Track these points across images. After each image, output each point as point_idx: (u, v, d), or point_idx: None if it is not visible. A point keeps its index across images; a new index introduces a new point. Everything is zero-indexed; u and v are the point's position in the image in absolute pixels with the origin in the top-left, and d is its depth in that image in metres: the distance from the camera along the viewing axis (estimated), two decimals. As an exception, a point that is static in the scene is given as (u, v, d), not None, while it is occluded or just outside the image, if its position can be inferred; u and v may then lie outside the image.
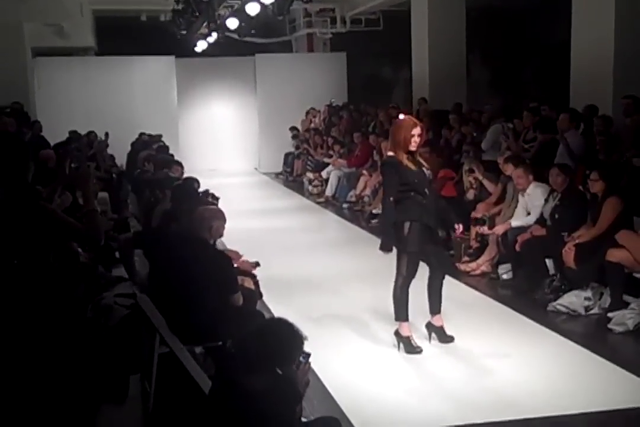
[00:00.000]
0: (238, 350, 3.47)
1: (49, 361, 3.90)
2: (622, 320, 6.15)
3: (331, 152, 14.69)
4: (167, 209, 6.33)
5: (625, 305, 6.33)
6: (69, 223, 3.74)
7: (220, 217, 5.24)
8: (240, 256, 6.54)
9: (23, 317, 3.67)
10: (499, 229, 7.77)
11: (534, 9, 15.97)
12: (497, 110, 10.94)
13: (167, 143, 14.88)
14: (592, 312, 6.63)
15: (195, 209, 5.30)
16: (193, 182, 7.06)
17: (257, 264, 6.40)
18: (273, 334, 3.43)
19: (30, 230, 3.64)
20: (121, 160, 14.06)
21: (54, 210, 3.83)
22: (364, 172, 12.62)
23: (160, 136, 14.91)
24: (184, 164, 9.15)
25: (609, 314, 6.33)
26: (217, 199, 7.79)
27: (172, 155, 11.17)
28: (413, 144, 5.77)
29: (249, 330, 3.48)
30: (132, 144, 13.81)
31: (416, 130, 5.75)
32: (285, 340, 3.43)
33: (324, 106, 17.48)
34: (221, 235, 5.29)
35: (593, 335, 6.31)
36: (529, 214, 7.70)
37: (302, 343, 3.53)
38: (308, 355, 3.64)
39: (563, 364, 5.56)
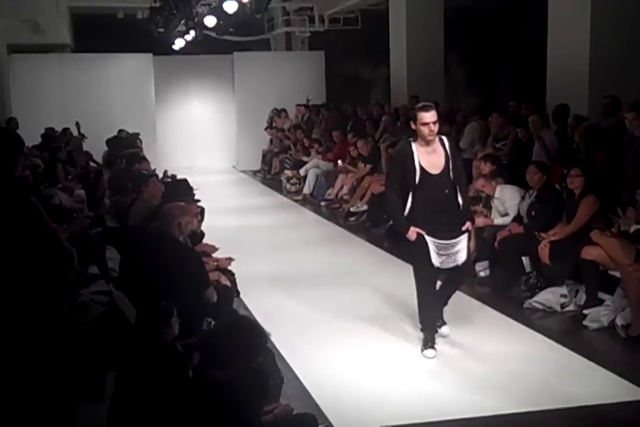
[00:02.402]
0: (203, 346, 3.54)
1: (25, 359, 3.87)
2: (597, 317, 6.21)
3: (311, 150, 14.70)
4: (153, 207, 6.31)
5: (600, 302, 6.39)
6: (53, 230, 3.70)
7: (188, 213, 5.24)
8: (216, 249, 6.53)
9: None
10: (480, 222, 7.78)
11: (512, 9, 16.06)
12: (472, 108, 10.99)
13: (144, 141, 14.83)
14: (567, 309, 6.69)
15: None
16: (183, 182, 7.03)
17: (230, 259, 6.38)
18: (235, 331, 3.54)
19: (16, 225, 3.59)
20: (98, 157, 13.96)
21: (42, 211, 3.78)
22: (342, 168, 12.64)
23: (137, 134, 14.83)
24: (162, 161, 9.13)
25: (584, 311, 6.39)
26: (192, 189, 7.73)
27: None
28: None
29: (213, 327, 3.58)
30: (108, 141, 13.72)
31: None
32: (246, 337, 3.54)
33: (297, 105, 17.45)
34: (192, 230, 5.29)
35: (568, 331, 6.36)
36: (506, 214, 7.76)
37: (264, 341, 3.64)
38: (268, 352, 3.82)
39: (539, 361, 5.59)
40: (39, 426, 3.83)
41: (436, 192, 5.51)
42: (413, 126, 5.54)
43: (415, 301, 5.85)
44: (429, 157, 5.53)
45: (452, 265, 5.60)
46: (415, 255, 5.64)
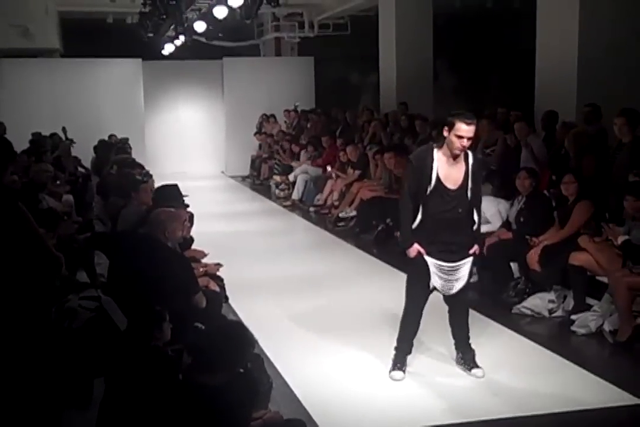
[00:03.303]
0: (192, 351, 3.57)
1: (12, 364, 3.85)
2: (584, 322, 6.24)
3: (301, 154, 14.71)
4: (143, 212, 6.30)
5: (588, 307, 6.42)
6: (40, 236, 3.68)
7: (177, 218, 5.23)
8: (205, 255, 6.53)
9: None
10: None
11: (500, 16, 16.14)
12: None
13: (133, 146, 14.80)
14: (555, 314, 6.72)
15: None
16: (174, 187, 6.98)
17: (219, 265, 6.37)
18: (223, 336, 3.56)
19: (4, 230, 3.56)
20: (86, 162, 13.93)
21: (30, 217, 3.76)
22: (332, 175, 12.66)
23: (126, 139, 14.80)
24: (150, 167, 9.12)
25: (572, 317, 6.41)
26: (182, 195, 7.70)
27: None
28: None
29: (201, 332, 3.59)
30: (96, 147, 13.69)
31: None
32: (234, 342, 3.55)
33: (284, 111, 17.48)
34: (181, 235, 5.28)
35: (556, 337, 6.39)
36: (488, 222, 7.77)
37: (253, 346, 3.66)
38: (257, 357, 3.83)
39: (527, 366, 5.61)
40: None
41: (449, 208, 5.07)
42: (445, 133, 5.02)
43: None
44: (450, 169, 5.07)
45: (450, 292, 5.29)
46: (412, 271, 5.32)
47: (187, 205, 6.64)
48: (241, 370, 3.65)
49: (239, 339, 3.59)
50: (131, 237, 5.59)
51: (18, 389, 3.85)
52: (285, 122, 17.30)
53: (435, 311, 6.05)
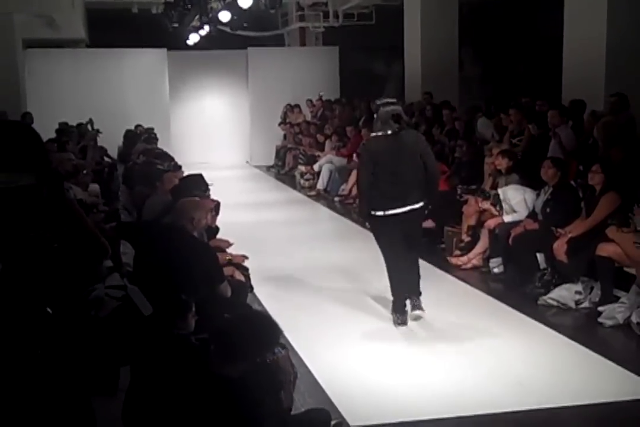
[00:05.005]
0: (215, 341, 3.56)
1: (40, 353, 3.88)
2: (612, 314, 6.17)
3: (326, 144, 14.69)
4: (168, 202, 6.32)
5: (616, 299, 6.35)
6: (87, 223, 3.67)
7: (202, 207, 5.24)
8: (230, 244, 6.54)
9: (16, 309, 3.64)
10: (491, 222, 7.79)
11: (527, 3, 15.97)
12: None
13: (159, 136, 14.87)
14: (582, 306, 6.65)
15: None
16: (198, 176, 7.00)
17: (244, 257, 6.38)
18: (249, 326, 3.54)
19: (55, 215, 3.55)
20: (112, 152, 14.03)
21: (75, 203, 3.76)
22: (356, 164, 12.62)
23: (152, 129, 14.86)
24: (175, 157, 9.14)
25: (599, 308, 6.35)
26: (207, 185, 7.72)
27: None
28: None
29: (227, 321, 3.58)
30: (125, 136, 13.78)
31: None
32: (260, 332, 3.54)
33: (307, 100, 17.44)
34: (207, 224, 5.29)
35: (583, 328, 6.34)
36: (515, 211, 7.73)
37: (278, 335, 3.64)
38: (283, 347, 3.76)
39: (553, 357, 5.58)
40: (58, 417, 3.84)
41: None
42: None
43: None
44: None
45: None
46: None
47: (211, 184, 6.66)
48: (267, 360, 3.65)
49: (263, 329, 3.58)
50: (157, 227, 5.61)
51: (47, 378, 3.88)
52: (311, 112, 17.27)
53: (452, 304, 6.04)
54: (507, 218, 7.72)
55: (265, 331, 3.57)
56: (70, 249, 3.73)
